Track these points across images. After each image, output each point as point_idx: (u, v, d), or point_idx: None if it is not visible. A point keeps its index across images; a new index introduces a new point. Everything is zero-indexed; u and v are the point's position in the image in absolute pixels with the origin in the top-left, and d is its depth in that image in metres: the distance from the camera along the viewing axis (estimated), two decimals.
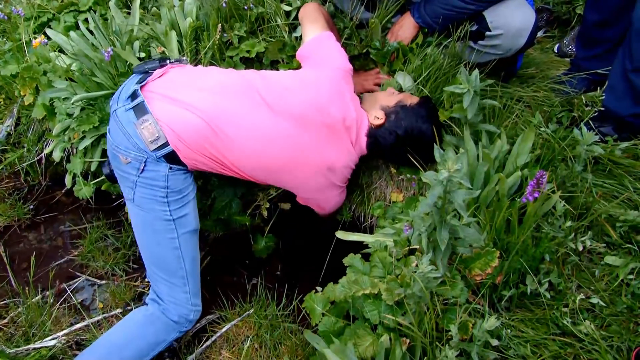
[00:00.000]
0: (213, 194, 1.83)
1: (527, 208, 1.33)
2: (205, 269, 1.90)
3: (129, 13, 2.00)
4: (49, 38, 1.99)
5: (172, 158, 1.42)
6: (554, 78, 2.08)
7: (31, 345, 1.58)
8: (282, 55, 1.87)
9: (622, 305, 1.31)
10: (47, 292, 1.83)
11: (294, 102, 1.47)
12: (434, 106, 1.64)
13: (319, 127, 1.49)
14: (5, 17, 2.10)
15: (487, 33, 1.67)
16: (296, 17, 1.86)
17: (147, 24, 1.93)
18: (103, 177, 1.83)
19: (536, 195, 1.23)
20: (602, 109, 1.78)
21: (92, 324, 1.68)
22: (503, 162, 1.55)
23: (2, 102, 2.12)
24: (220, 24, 1.82)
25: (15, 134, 2.12)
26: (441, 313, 1.22)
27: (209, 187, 1.83)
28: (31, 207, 2.16)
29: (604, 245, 1.46)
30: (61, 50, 1.99)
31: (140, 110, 1.40)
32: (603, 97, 1.79)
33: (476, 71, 1.48)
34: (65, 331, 1.65)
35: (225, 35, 1.86)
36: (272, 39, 1.89)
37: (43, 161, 2.12)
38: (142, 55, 1.85)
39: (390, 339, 1.18)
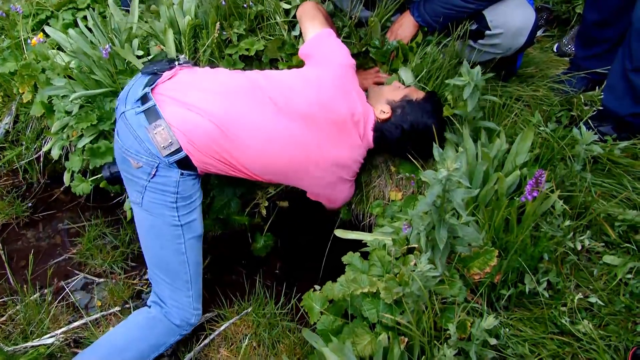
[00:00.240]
0: (212, 193, 1.83)
1: (526, 207, 1.33)
2: (204, 267, 1.89)
3: (127, 11, 2.00)
4: (47, 35, 1.98)
5: (183, 163, 1.41)
6: (553, 77, 2.08)
7: (29, 343, 1.58)
8: (282, 53, 1.87)
9: (621, 305, 1.32)
10: (46, 290, 1.82)
11: (299, 101, 1.48)
12: (439, 100, 1.64)
13: (327, 125, 1.49)
14: (4, 14, 2.09)
15: (487, 32, 1.67)
16: (295, 15, 1.85)
17: (146, 22, 1.93)
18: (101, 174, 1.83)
19: (535, 194, 1.23)
20: (602, 108, 1.78)
21: (90, 322, 1.68)
22: (502, 161, 1.55)
23: (0, 100, 2.12)
24: (219, 22, 1.81)
25: (13, 132, 2.12)
26: (439, 312, 1.22)
27: (208, 187, 1.83)
28: (29, 204, 2.15)
29: (603, 244, 1.46)
30: (60, 48, 1.98)
31: (151, 114, 1.38)
32: (602, 97, 1.79)
33: (478, 67, 1.48)
34: (63, 329, 1.64)
35: (224, 33, 1.86)
36: (271, 37, 1.88)
37: (41, 159, 2.11)
38: (141, 53, 1.85)
39: (389, 338, 1.18)
